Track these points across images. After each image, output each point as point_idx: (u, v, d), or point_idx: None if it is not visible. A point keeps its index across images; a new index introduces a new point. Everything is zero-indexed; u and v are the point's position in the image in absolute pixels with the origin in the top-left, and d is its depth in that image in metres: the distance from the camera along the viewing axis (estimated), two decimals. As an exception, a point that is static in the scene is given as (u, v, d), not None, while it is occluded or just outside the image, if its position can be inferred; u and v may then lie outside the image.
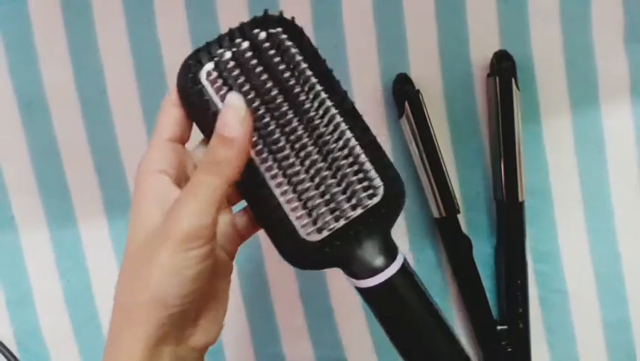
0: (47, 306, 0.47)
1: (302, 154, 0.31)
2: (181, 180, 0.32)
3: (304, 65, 0.32)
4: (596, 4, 0.43)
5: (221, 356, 0.46)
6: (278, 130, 0.31)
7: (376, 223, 0.31)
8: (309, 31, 0.43)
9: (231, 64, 0.31)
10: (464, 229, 0.44)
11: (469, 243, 0.44)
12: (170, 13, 0.44)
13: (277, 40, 0.31)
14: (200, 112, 0.32)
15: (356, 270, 0.31)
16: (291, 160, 0.31)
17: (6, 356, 0.46)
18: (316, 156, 0.31)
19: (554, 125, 0.44)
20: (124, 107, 0.45)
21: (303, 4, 0.44)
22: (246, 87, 0.31)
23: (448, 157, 0.44)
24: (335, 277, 0.45)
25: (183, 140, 0.32)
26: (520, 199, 0.43)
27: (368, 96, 0.44)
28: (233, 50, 0.31)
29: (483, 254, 0.45)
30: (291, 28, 0.32)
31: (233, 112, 0.29)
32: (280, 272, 0.46)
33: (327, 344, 0.46)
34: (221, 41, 0.32)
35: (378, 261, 0.31)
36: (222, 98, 0.31)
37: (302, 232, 0.31)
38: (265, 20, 0.32)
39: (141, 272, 0.30)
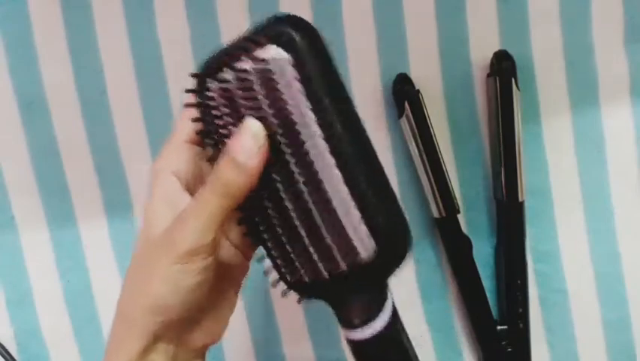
0: (47, 306, 0.47)
1: (289, 200, 0.29)
2: (196, 182, 0.32)
3: (306, 104, 0.28)
4: (596, 5, 0.43)
5: (221, 356, 0.46)
6: (274, 171, 0.29)
7: (364, 279, 0.29)
8: (309, 31, 0.44)
9: (233, 86, 0.29)
10: (464, 228, 0.44)
11: (469, 243, 0.44)
12: (170, 13, 0.44)
13: (280, 69, 0.29)
14: (207, 122, 0.31)
15: (341, 319, 0.30)
16: (283, 204, 0.29)
17: (5, 358, 0.46)
18: (302, 207, 0.29)
19: (554, 125, 0.44)
20: (124, 107, 0.45)
21: (303, 4, 0.44)
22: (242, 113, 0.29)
23: (448, 157, 0.44)
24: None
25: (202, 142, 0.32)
26: (520, 199, 0.43)
27: (368, 96, 0.44)
28: (236, 72, 0.29)
29: (483, 254, 0.45)
30: (305, 45, 0.29)
31: (252, 137, 0.28)
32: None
33: (327, 344, 0.46)
34: (230, 57, 0.30)
35: (358, 319, 0.29)
36: (227, 115, 0.29)
37: (289, 272, 0.31)
38: (277, 36, 0.29)
39: (141, 279, 0.30)
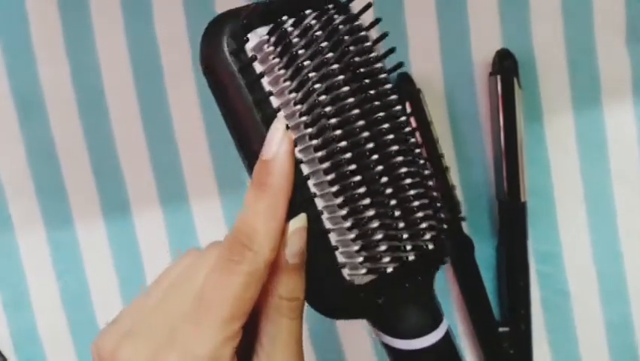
0: (44, 307, 0.46)
1: (369, 175, 0.25)
2: None
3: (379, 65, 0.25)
4: (598, 4, 0.43)
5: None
6: (348, 140, 0.25)
7: (423, 278, 0.27)
8: (308, 30, 0.43)
9: (295, 37, 0.24)
10: (466, 229, 0.44)
11: (471, 244, 0.44)
12: (168, 12, 0.44)
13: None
14: (234, 94, 0.26)
15: (385, 326, 0.27)
16: (356, 180, 0.25)
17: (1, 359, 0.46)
18: (384, 180, 0.25)
19: (556, 125, 0.44)
20: (121, 107, 0.45)
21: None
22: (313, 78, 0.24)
23: (449, 157, 0.44)
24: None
25: None
26: (522, 200, 0.43)
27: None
28: (298, 20, 0.24)
29: (485, 255, 0.45)
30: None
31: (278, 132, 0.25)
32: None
33: (327, 347, 0.46)
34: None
35: (423, 322, 0.27)
36: (276, 82, 0.25)
37: (346, 271, 0.26)
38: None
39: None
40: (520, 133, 0.42)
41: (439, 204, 0.27)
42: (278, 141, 0.25)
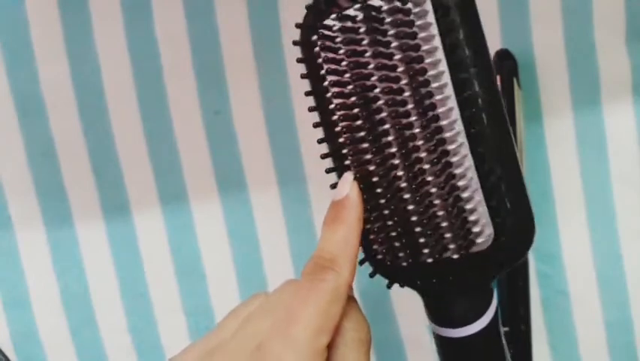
0: (44, 307, 0.46)
1: (401, 167, 0.28)
2: None
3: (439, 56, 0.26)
4: (598, 4, 0.43)
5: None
6: (390, 135, 0.27)
7: (474, 272, 0.28)
8: (308, 30, 0.43)
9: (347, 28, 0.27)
10: (465, 229, 0.44)
11: (471, 244, 0.44)
12: (168, 12, 0.44)
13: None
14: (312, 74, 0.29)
15: (436, 315, 0.29)
16: (398, 174, 0.28)
17: (1, 360, 0.46)
18: (425, 179, 0.27)
19: (556, 125, 0.44)
20: (121, 106, 0.45)
21: (302, 3, 0.44)
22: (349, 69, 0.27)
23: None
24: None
25: None
26: (522, 200, 0.43)
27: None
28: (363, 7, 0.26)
29: (484, 255, 0.45)
30: None
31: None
32: (280, 274, 0.45)
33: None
34: None
35: (459, 318, 0.28)
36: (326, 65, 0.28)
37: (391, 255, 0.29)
38: None
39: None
40: (520, 133, 0.42)
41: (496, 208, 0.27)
42: (349, 185, 0.29)
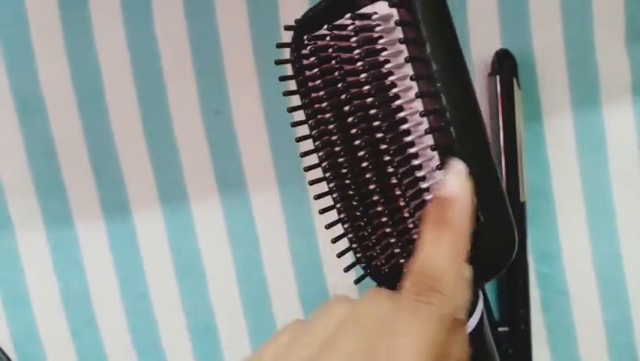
0: (44, 307, 0.46)
1: (374, 178, 0.28)
2: None
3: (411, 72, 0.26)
4: (598, 3, 0.43)
5: (219, 358, 0.46)
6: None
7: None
8: (308, 30, 0.43)
9: (331, 46, 0.27)
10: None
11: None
12: (168, 11, 0.44)
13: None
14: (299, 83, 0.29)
15: None
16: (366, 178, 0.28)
17: (2, 359, 0.46)
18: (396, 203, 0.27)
19: (556, 125, 0.44)
20: (121, 106, 0.45)
21: (303, 3, 0.44)
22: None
23: (449, 157, 0.44)
24: (335, 278, 0.45)
25: None
26: (521, 200, 0.43)
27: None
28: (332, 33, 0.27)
29: (484, 255, 0.45)
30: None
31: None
32: (280, 274, 0.45)
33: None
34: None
35: None
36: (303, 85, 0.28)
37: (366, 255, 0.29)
38: None
39: None
40: (519, 133, 0.42)
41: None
42: (461, 179, 0.25)
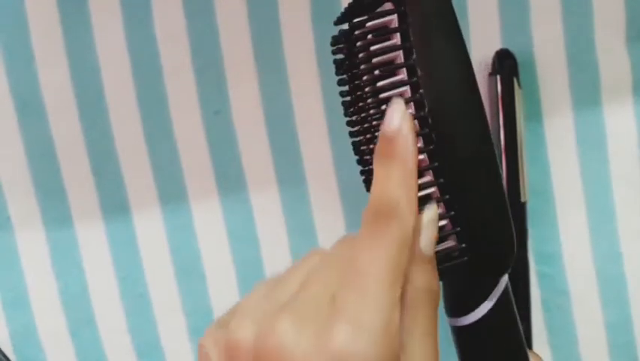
0: (43, 308, 0.46)
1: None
2: None
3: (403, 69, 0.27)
4: (598, 3, 0.43)
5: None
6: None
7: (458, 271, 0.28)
8: (307, 30, 0.43)
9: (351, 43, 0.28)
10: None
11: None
12: (167, 11, 0.44)
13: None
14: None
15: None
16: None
17: (1, 360, 0.46)
18: None
19: (556, 125, 0.44)
20: (121, 107, 0.45)
21: (302, 3, 0.44)
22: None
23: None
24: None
25: None
26: (522, 200, 0.43)
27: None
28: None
29: (485, 255, 0.45)
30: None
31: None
32: (279, 272, 0.45)
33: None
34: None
35: (454, 308, 0.29)
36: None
37: None
38: None
39: None
40: (519, 133, 0.42)
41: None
42: (400, 114, 0.26)
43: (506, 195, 0.28)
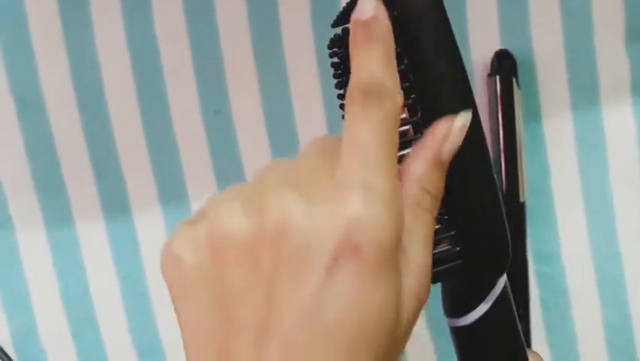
0: (44, 307, 0.46)
1: None
2: None
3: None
4: (597, 4, 0.43)
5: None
6: None
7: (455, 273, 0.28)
8: (307, 30, 0.43)
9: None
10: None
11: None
12: (167, 10, 0.44)
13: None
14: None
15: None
16: None
17: (2, 359, 0.46)
18: None
19: (555, 125, 0.44)
20: (121, 105, 0.45)
21: (302, 3, 0.44)
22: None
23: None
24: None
25: None
26: (521, 200, 0.43)
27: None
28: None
29: (484, 255, 0.45)
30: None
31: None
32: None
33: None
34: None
35: (450, 309, 0.30)
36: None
37: None
38: None
39: None
40: (519, 133, 0.42)
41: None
42: (372, 3, 0.26)
43: (501, 197, 0.29)
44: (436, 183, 0.26)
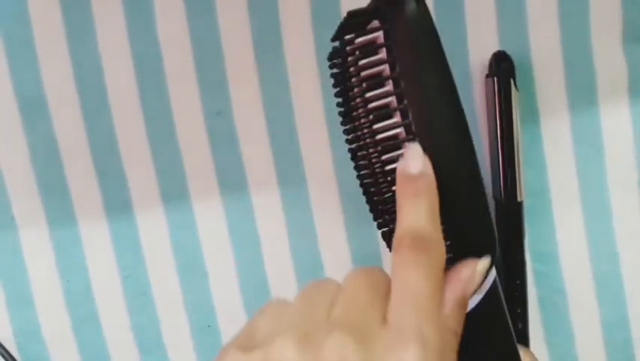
0: (47, 306, 0.47)
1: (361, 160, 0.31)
2: None
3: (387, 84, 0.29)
4: (595, 5, 0.43)
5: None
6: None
7: None
8: (307, 30, 0.44)
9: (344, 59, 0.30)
10: (463, 229, 0.44)
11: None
12: (169, 12, 0.44)
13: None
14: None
15: None
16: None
17: (5, 358, 0.46)
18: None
19: (553, 126, 0.44)
20: (124, 106, 0.45)
21: (303, 5, 0.44)
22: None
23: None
24: (334, 275, 0.45)
25: None
26: (518, 199, 0.43)
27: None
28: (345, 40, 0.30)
29: (482, 254, 0.45)
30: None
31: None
32: (281, 272, 0.46)
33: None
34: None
35: None
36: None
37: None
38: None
39: None
40: (516, 134, 0.42)
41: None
42: (422, 157, 0.28)
43: (484, 190, 0.30)
44: (459, 321, 0.27)
